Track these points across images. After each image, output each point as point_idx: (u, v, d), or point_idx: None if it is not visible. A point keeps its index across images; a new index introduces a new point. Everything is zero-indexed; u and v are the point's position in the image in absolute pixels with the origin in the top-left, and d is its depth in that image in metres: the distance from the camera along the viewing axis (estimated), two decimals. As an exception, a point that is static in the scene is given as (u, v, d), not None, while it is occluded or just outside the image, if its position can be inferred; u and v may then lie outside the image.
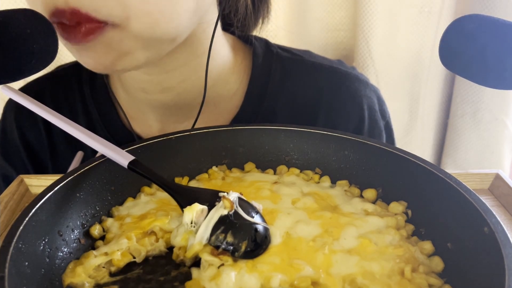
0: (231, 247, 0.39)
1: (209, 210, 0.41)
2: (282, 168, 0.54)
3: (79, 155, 0.64)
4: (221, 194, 0.42)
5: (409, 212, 0.45)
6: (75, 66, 0.70)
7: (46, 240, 0.39)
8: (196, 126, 0.59)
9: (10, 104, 0.70)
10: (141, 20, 0.46)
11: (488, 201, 0.45)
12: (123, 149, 0.46)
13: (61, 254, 0.40)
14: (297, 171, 0.53)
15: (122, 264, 0.40)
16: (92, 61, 0.48)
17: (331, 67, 0.69)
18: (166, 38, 0.49)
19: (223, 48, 0.64)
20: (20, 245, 0.35)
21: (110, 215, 0.46)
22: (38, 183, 0.55)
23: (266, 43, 0.69)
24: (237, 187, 0.50)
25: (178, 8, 0.48)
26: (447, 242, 0.40)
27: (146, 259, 0.42)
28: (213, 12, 0.58)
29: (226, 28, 0.66)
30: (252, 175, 0.53)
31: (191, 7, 0.50)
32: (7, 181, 0.69)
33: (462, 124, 1.11)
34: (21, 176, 0.55)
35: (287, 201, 0.47)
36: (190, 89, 0.61)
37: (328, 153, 0.52)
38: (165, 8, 0.46)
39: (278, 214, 0.45)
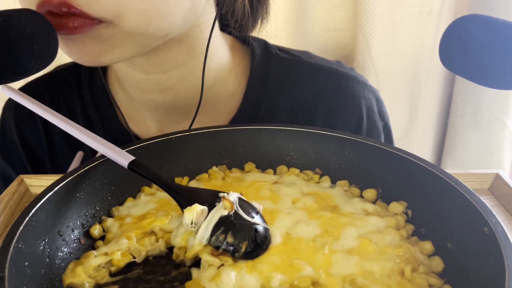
0: (231, 248, 0.39)
1: (209, 210, 0.41)
2: (282, 168, 0.54)
3: (79, 155, 0.64)
4: (221, 194, 0.42)
5: (409, 212, 0.46)
6: (74, 67, 0.70)
7: (46, 240, 0.39)
8: (194, 127, 0.59)
9: (10, 103, 0.70)
10: (135, 18, 0.45)
11: (488, 201, 0.45)
12: (123, 149, 0.46)
13: (61, 254, 0.40)
14: (297, 171, 0.53)
15: (122, 264, 0.40)
16: (78, 51, 0.47)
17: (330, 68, 0.69)
18: (159, 35, 0.49)
19: (221, 49, 0.64)
20: (20, 245, 0.35)
21: (110, 215, 0.46)
22: (38, 183, 0.55)
23: (264, 43, 0.69)
24: (237, 187, 0.50)
25: (173, 6, 0.48)
26: (447, 242, 0.40)
27: (146, 259, 0.42)
28: (211, 12, 0.57)
29: (224, 28, 0.66)
30: (252, 175, 0.53)
31: (187, 6, 0.50)
32: (7, 181, 0.69)
33: (462, 124, 1.11)
34: (21, 176, 0.55)
35: (287, 201, 0.47)
36: (188, 89, 0.61)
37: (328, 153, 0.52)
38: (160, 6, 0.46)
39: (278, 214, 0.45)
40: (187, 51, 0.58)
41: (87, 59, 0.48)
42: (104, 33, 0.45)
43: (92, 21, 0.44)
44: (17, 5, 0.42)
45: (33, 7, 0.43)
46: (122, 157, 0.44)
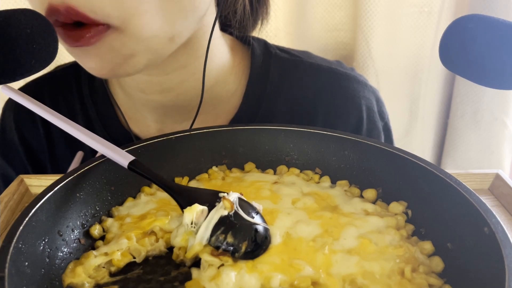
0: (231, 248, 0.39)
1: (209, 210, 0.41)
2: (282, 168, 0.54)
3: (79, 155, 0.64)
4: (221, 194, 0.42)
5: (409, 212, 0.46)
6: (74, 67, 0.70)
7: (46, 240, 0.39)
8: (194, 127, 0.59)
9: (9, 103, 0.70)
10: (139, 20, 0.46)
11: (488, 201, 0.45)
12: (123, 149, 0.46)
13: (61, 254, 0.40)
14: (297, 171, 0.53)
15: (122, 264, 0.40)
16: (95, 65, 0.48)
17: (330, 68, 0.69)
18: (164, 36, 0.49)
19: (222, 49, 0.64)
20: (20, 245, 0.35)
21: (110, 215, 0.46)
22: (38, 183, 0.55)
23: (264, 44, 0.69)
24: (237, 187, 0.50)
25: (172, 5, 0.48)
26: (447, 242, 0.40)
27: (146, 259, 0.42)
28: (212, 13, 0.58)
29: (225, 28, 0.66)
30: (252, 175, 0.53)
31: (187, 6, 0.50)
32: (6, 181, 0.69)
33: (462, 124, 1.11)
34: (21, 176, 0.55)
35: (287, 201, 0.47)
36: (188, 90, 0.61)
37: (328, 153, 0.52)
38: (160, 5, 0.46)
39: (278, 214, 0.45)
40: (191, 53, 0.58)
41: (105, 72, 0.49)
42: (115, 42, 0.46)
43: (102, 27, 0.44)
44: (17, 5, 0.42)
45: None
46: (122, 157, 0.44)
